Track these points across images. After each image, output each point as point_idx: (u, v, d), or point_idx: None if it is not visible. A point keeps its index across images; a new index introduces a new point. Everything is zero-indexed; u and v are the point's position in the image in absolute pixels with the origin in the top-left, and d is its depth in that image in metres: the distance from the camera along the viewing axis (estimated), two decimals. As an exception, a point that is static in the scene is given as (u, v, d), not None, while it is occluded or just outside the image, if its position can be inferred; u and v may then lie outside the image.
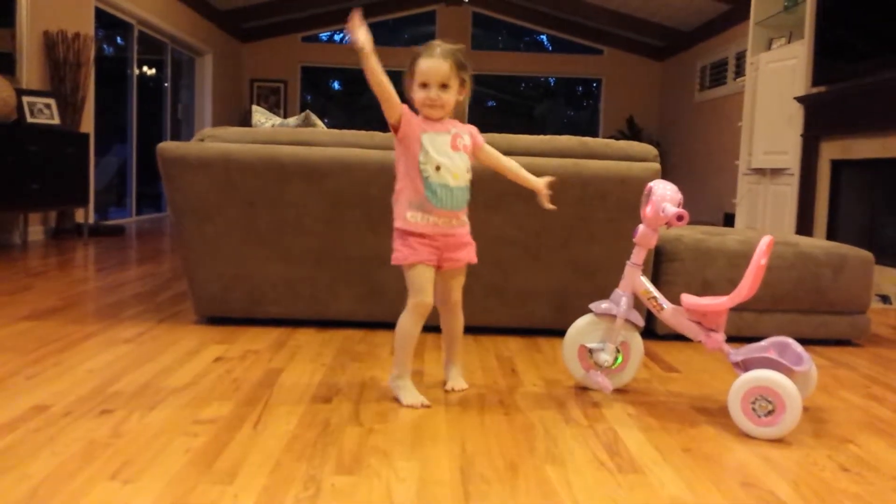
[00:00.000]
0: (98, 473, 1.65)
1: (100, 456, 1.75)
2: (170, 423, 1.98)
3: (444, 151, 2.16)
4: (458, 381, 2.42)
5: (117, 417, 2.01)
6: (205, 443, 1.85)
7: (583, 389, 2.44)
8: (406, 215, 2.19)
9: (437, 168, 2.15)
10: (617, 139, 3.28)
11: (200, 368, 2.51)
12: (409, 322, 2.24)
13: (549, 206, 2.34)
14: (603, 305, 2.38)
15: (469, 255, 2.30)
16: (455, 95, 2.19)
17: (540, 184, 2.33)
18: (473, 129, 2.30)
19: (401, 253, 2.21)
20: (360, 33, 2.03)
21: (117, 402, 2.13)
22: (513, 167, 2.36)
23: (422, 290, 2.20)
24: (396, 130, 2.17)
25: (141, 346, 2.79)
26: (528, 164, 2.99)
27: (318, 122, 3.49)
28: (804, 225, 5.80)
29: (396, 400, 2.24)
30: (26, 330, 2.99)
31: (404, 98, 2.19)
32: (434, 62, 2.13)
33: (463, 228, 2.26)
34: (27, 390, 2.22)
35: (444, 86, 2.15)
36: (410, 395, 2.24)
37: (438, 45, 2.17)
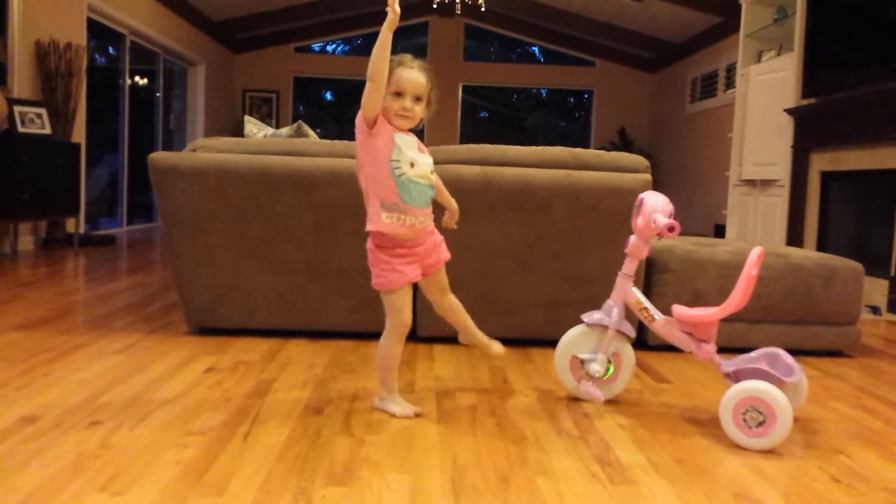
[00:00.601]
0: (87, 485, 1.64)
1: (89, 468, 1.74)
2: (160, 434, 1.97)
3: (413, 151, 2.16)
4: (492, 343, 2.51)
5: (107, 429, 2.00)
6: (195, 455, 1.84)
7: (574, 400, 2.44)
8: (382, 216, 2.13)
9: (412, 164, 2.13)
10: (608, 150, 3.29)
11: (191, 380, 2.50)
12: (391, 343, 2.25)
13: (452, 226, 2.40)
14: (595, 316, 2.38)
15: (444, 252, 2.31)
16: (423, 110, 2.19)
17: (455, 206, 2.39)
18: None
19: (385, 279, 2.19)
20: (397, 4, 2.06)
21: (107, 414, 2.12)
22: (441, 185, 2.36)
23: (402, 310, 2.22)
24: (372, 125, 2.11)
25: (131, 358, 2.78)
26: (520, 176, 3.02)
27: (311, 132, 3.49)
28: (794, 236, 5.83)
29: (387, 413, 2.24)
30: (16, 340, 2.98)
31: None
32: (413, 74, 2.14)
33: (431, 226, 2.25)
34: (16, 401, 2.20)
35: (418, 98, 2.15)
36: (400, 406, 2.24)
37: (414, 59, 2.19)
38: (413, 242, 2.20)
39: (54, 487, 1.63)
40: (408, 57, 2.18)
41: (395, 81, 2.12)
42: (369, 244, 2.21)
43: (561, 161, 3.10)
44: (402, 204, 2.12)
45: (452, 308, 2.44)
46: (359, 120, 2.12)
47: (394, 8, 2.05)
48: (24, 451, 1.83)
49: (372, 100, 2.08)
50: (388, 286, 2.19)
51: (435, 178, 2.25)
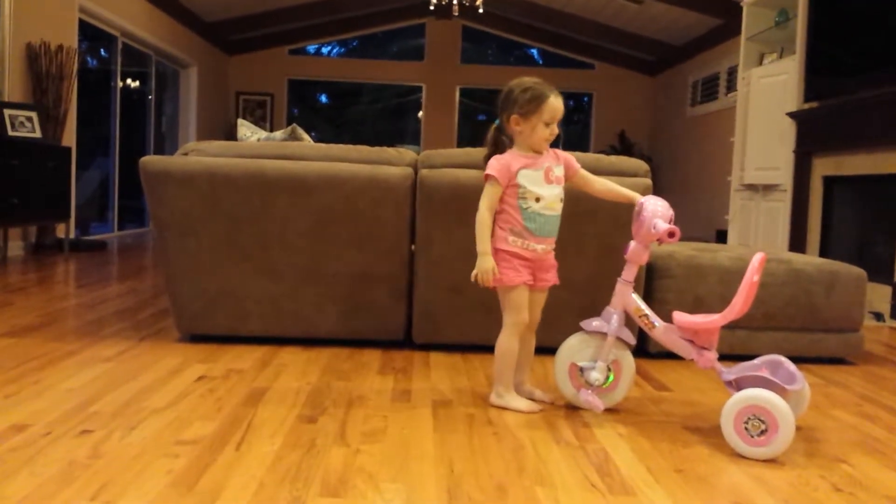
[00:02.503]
0: (77, 495, 1.62)
1: (79, 477, 1.71)
2: (151, 443, 1.95)
3: (541, 184, 2.29)
4: (541, 394, 2.50)
5: (97, 437, 1.97)
6: (186, 464, 1.81)
7: (573, 409, 2.41)
8: (508, 239, 2.31)
9: (538, 199, 2.28)
10: (608, 154, 3.27)
11: (182, 388, 2.47)
12: (509, 340, 2.36)
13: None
14: (594, 323, 2.35)
15: (555, 276, 2.43)
16: None
17: (637, 196, 2.38)
18: (568, 157, 2.41)
19: (506, 275, 2.31)
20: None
21: (97, 422, 2.09)
22: (606, 186, 2.44)
23: (522, 308, 2.34)
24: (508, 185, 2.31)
25: (122, 365, 2.74)
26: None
27: (305, 135, 3.46)
28: (797, 241, 5.81)
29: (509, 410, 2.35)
30: (5, 347, 2.94)
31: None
32: (560, 103, 2.30)
33: (553, 252, 2.40)
34: (5, 409, 2.17)
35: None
36: (523, 402, 2.37)
37: (551, 89, 2.32)
38: (532, 259, 2.35)
39: (44, 496, 1.60)
40: (548, 85, 2.32)
41: (549, 111, 2.27)
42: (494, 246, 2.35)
43: (559, 165, 3.06)
44: (526, 233, 2.31)
45: (529, 346, 2.49)
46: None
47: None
48: (13, 459, 1.80)
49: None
50: (506, 282, 2.31)
51: (594, 185, 2.44)
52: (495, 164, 2.29)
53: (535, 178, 2.29)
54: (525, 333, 2.42)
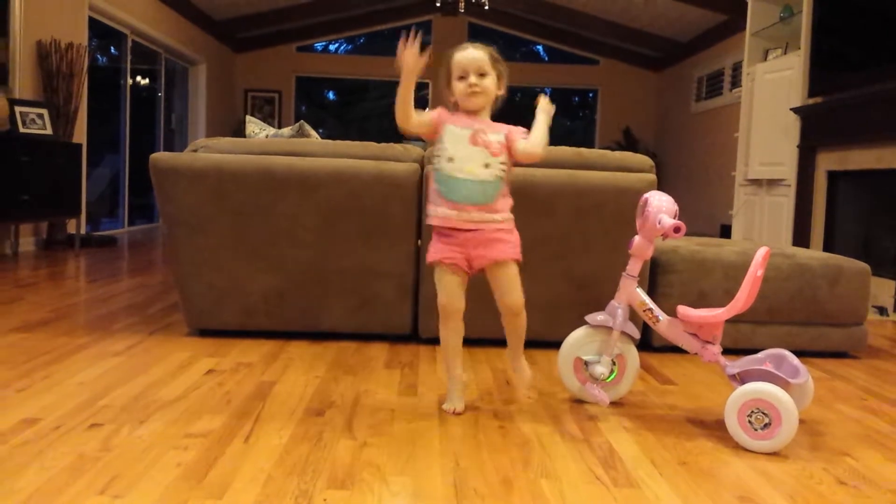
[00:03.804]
0: (87, 488, 1.63)
1: (89, 470, 1.73)
2: (160, 436, 1.96)
3: (461, 145, 2.17)
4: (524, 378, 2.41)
5: (107, 431, 1.99)
6: (196, 457, 1.83)
7: (578, 402, 2.42)
8: (429, 210, 2.23)
9: (450, 160, 2.17)
10: (613, 150, 3.28)
11: (192, 381, 2.49)
12: (440, 328, 2.30)
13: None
14: (599, 317, 2.36)
15: (500, 251, 2.20)
16: (494, 83, 2.22)
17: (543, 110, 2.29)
18: (512, 129, 2.25)
19: (428, 252, 2.26)
20: (407, 55, 2.07)
21: (107, 416, 2.11)
22: (537, 143, 2.24)
23: (442, 290, 2.24)
24: (434, 134, 2.21)
25: (132, 359, 2.77)
26: (523, 175, 2.99)
27: (313, 132, 3.47)
28: (801, 236, 5.80)
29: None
30: (16, 342, 2.97)
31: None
32: (468, 52, 2.18)
33: (488, 224, 2.19)
34: (17, 403, 2.19)
35: (482, 74, 2.18)
36: (448, 400, 2.30)
37: (470, 43, 2.22)
38: (452, 232, 2.21)
39: (54, 490, 1.62)
40: (462, 45, 2.22)
41: (455, 66, 2.19)
42: None
43: (565, 161, 3.08)
44: (437, 196, 2.19)
45: (507, 332, 2.36)
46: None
47: (407, 57, 2.08)
48: (24, 453, 1.82)
49: (418, 134, 2.21)
50: (427, 258, 2.25)
51: (529, 149, 2.20)
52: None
53: (458, 136, 2.17)
54: (505, 316, 2.30)
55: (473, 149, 2.17)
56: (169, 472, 1.73)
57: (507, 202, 2.24)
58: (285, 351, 2.96)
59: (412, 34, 2.06)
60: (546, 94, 2.28)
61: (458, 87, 2.18)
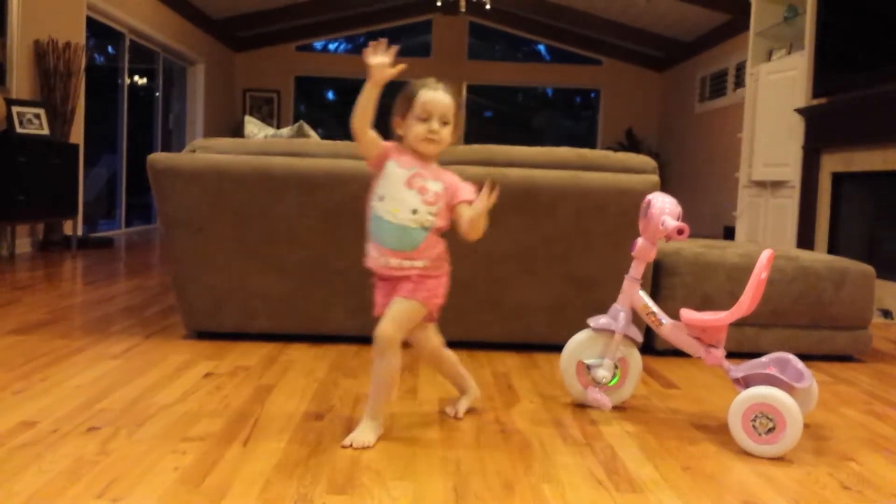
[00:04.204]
0: (85, 492, 1.62)
1: (87, 474, 1.71)
2: (158, 440, 1.95)
3: (396, 185, 2.03)
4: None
5: (105, 434, 1.97)
6: (194, 461, 1.82)
7: (580, 406, 2.40)
8: (368, 251, 2.10)
9: (381, 198, 2.03)
10: (615, 151, 3.26)
11: (190, 385, 2.47)
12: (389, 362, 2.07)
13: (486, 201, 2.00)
14: (601, 321, 2.34)
15: (406, 290, 2.05)
16: (450, 134, 2.07)
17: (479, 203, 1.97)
18: (458, 184, 2.08)
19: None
20: (377, 63, 1.96)
21: (105, 419, 2.09)
22: (476, 228, 2.03)
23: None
24: (377, 164, 2.07)
25: (129, 362, 2.75)
26: (525, 177, 2.98)
27: (312, 132, 3.46)
28: (805, 238, 5.79)
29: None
30: (13, 344, 2.95)
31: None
32: (438, 95, 2.03)
33: (407, 270, 2.05)
34: (14, 406, 2.18)
35: (444, 122, 2.04)
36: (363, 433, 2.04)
37: (438, 81, 2.07)
38: (382, 276, 2.10)
39: (52, 493, 1.61)
40: (431, 80, 2.07)
41: (421, 105, 2.01)
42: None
43: (567, 162, 3.06)
44: (369, 234, 2.08)
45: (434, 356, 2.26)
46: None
47: (374, 60, 1.96)
48: (21, 456, 1.81)
49: (362, 151, 2.07)
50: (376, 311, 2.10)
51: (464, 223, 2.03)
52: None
53: (396, 175, 2.03)
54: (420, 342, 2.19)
55: (406, 192, 2.02)
56: (167, 476, 1.72)
57: (435, 249, 2.07)
58: (284, 354, 2.94)
59: (383, 42, 1.96)
60: (494, 185, 1.97)
61: (417, 129, 2.02)
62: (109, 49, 8.65)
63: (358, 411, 2.25)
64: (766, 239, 6.35)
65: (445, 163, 2.99)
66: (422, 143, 2.03)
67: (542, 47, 13.05)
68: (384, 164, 2.06)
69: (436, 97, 2.02)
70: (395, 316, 2.03)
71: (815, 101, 5.77)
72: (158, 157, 3.01)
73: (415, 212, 2.02)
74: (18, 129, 5.80)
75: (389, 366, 2.03)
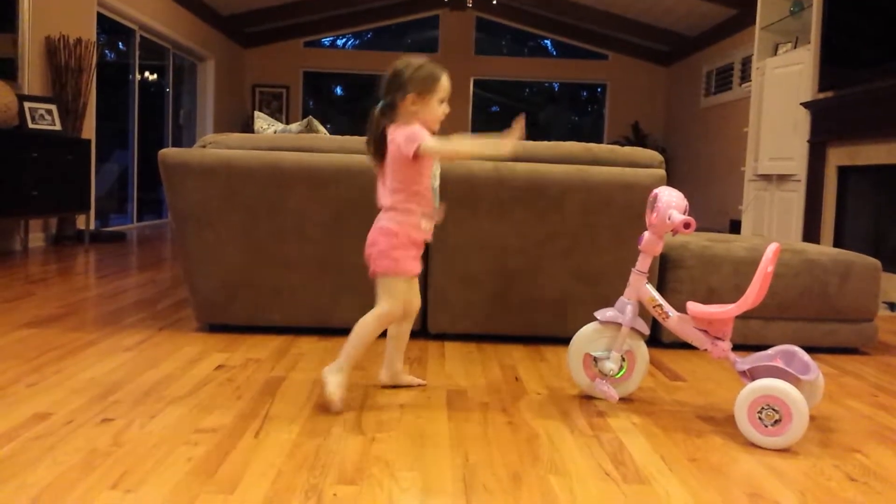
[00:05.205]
0: (99, 483, 1.64)
1: (101, 465, 1.73)
2: (171, 431, 1.97)
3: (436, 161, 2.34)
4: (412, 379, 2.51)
5: (118, 426, 1.99)
6: (206, 452, 1.84)
7: (587, 398, 2.42)
8: (422, 224, 2.24)
9: (435, 177, 2.32)
10: (622, 145, 3.27)
11: (202, 377, 2.50)
12: (377, 326, 2.28)
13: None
14: (608, 313, 2.35)
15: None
16: None
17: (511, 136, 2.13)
18: None
19: (406, 265, 2.24)
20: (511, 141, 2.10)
21: (118, 411, 2.12)
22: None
23: (401, 299, 2.27)
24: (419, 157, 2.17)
25: (142, 354, 2.77)
26: (532, 171, 2.99)
27: (321, 128, 3.47)
28: (811, 232, 5.78)
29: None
30: (27, 337, 2.98)
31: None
32: (449, 83, 2.25)
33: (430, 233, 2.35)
34: (27, 398, 2.20)
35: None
36: (332, 385, 2.21)
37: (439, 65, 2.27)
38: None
39: (65, 484, 1.62)
40: (437, 64, 2.26)
41: (444, 89, 2.22)
42: (392, 229, 2.21)
43: (574, 156, 3.07)
44: (432, 211, 2.28)
45: (407, 331, 2.48)
46: (410, 152, 2.13)
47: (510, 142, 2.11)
48: (35, 447, 1.83)
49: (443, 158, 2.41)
50: (405, 272, 2.25)
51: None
52: (419, 129, 2.16)
53: None
54: (403, 322, 2.40)
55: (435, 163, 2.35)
56: (180, 467, 1.74)
57: None
58: (295, 346, 2.96)
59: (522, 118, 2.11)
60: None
61: (439, 110, 2.23)
62: (120, 45, 8.68)
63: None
64: (772, 232, 6.34)
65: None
66: (436, 122, 2.25)
67: (548, 42, 13.02)
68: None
69: (449, 85, 2.25)
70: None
71: (820, 95, 5.76)
72: (169, 153, 3.04)
73: (435, 177, 2.31)
74: (31, 125, 5.84)
75: (357, 329, 2.28)
